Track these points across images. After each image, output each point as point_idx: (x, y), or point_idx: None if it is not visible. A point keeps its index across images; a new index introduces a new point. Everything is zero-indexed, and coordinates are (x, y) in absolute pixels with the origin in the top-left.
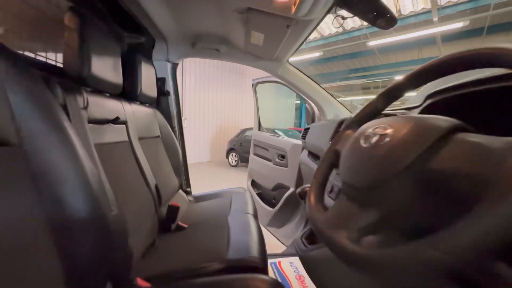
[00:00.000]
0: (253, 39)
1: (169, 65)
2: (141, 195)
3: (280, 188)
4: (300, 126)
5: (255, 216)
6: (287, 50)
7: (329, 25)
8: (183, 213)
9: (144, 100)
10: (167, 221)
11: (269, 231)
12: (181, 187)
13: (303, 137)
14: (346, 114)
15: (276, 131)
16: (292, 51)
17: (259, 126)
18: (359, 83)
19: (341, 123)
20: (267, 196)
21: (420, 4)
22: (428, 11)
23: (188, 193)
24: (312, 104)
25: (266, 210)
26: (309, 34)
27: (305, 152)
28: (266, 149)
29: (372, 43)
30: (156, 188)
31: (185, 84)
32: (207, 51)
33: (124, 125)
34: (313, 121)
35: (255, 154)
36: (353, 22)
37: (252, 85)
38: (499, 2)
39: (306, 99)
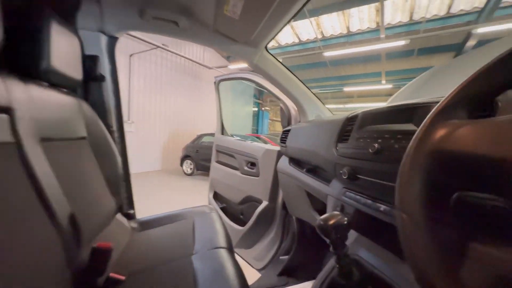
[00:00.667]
0: (227, 7)
1: (104, 39)
2: (36, 237)
3: (250, 201)
4: (257, 133)
5: (231, 249)
6: (269, 30)
7: (286, 36)
8: (120, 252)
9: (57, 82)
10: (90, 273)
11: (236, 253)
12: (120, 209)
13: (283, 141)
14: (328, 115)
15: (235, 136)
16: (275, 31)
17: (223, 130)
18: None
19: (350, 119)
20: (233, 211)
21: (366, 24)
22: (377, 29)
23: (130, 217)
24: (288, 104)
25: (233, 229)
26: (304, 5)
27: (285, 159)
28: (232, 156)
29: (328, 53)
30: (71, 219)
31: (133, 86)
32: (161, 24)
33: (6, 115)
34: (289, 123)
35: (218, 162)
36: (308, 34)
37: (214, 82)
38: (426, 28)
39: (280, 97)
